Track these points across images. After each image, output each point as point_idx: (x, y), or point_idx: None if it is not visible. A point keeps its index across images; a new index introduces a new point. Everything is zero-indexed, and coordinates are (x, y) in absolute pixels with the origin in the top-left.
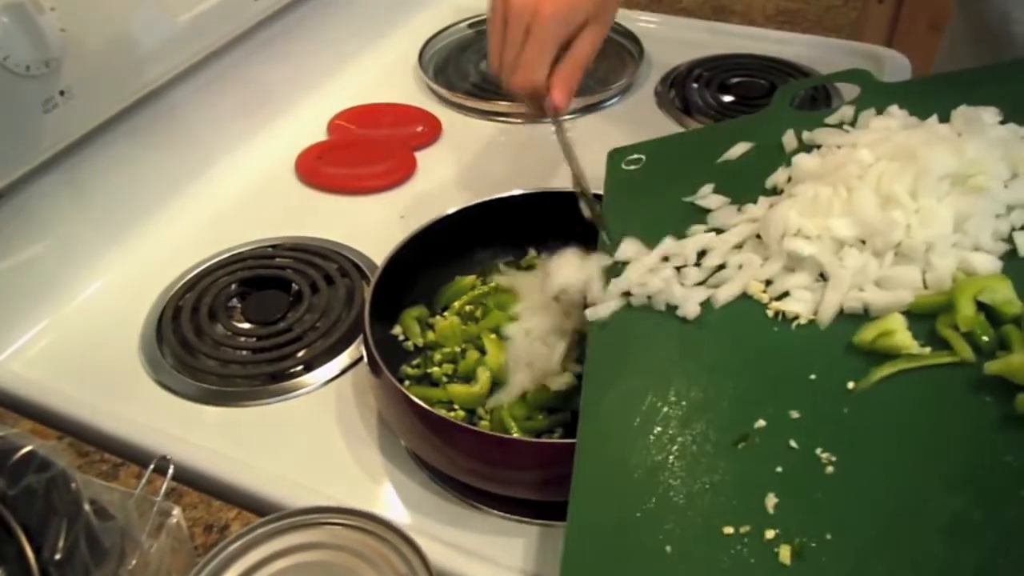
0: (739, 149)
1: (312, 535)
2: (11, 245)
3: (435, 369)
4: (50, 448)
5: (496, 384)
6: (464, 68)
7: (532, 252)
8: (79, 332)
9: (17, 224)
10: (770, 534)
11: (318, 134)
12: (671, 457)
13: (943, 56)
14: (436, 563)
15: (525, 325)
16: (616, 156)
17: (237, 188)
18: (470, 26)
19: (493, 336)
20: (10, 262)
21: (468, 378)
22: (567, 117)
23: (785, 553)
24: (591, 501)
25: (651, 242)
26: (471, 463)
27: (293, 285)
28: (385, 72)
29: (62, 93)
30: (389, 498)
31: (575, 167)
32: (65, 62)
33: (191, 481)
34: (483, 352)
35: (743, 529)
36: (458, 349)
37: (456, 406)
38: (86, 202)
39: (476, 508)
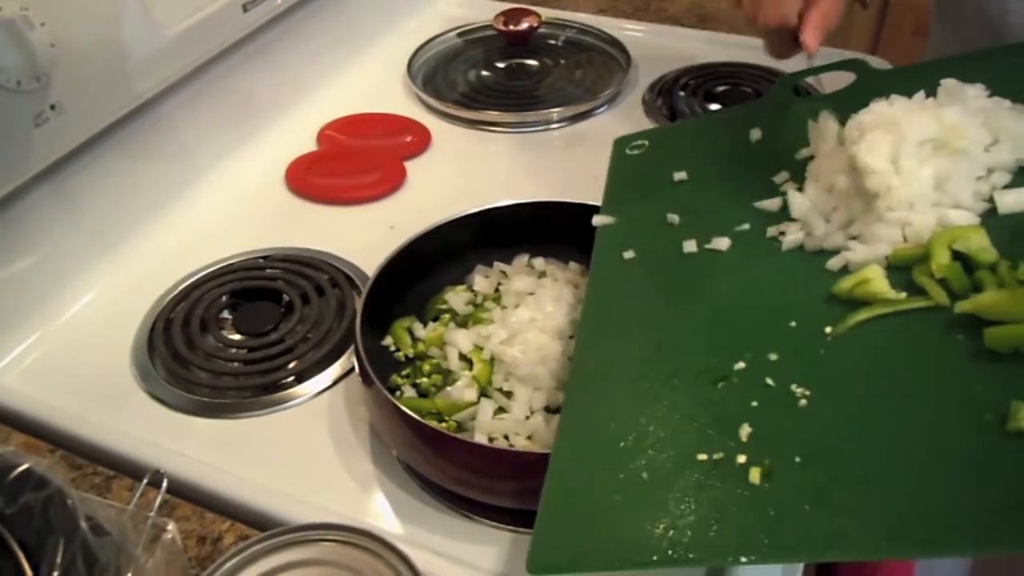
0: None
1: (307, 552)
2: (2, 258)
3: (424, 380)
4: (47, 466)
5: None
6: (453, 77)
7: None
8: (70, 345)
9: (8, 237)
10: (741, 459)
11: (308, 145)
12: (652, 399)
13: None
14: (428, 573)
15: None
16: (621, 143)
17: (227, 199)
18: (459, 35)
19: (481, 351)
20: (1, 275)
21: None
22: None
23: (755, 474)
24: (573, 441)
25: (651, 216)
26: (462, 473)
27: (284, 296)
28: (374, 82)
29: (53, 107)
30: (381, 508)
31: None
32: (56, 77)
33: (183, 493)
34: (471, 365)
35: (716, 456)
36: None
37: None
38: (77, 215)
39: (468, 518)
